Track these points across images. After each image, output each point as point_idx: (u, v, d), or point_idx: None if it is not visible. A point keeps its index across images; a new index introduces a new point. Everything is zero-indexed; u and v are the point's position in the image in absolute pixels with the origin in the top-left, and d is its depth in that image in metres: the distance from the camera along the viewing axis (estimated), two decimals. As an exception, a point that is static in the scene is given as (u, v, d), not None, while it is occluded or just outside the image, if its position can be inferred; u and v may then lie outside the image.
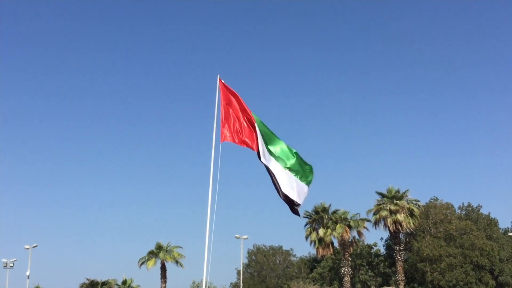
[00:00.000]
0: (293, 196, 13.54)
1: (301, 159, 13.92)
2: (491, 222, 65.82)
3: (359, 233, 59.76)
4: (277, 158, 13.72)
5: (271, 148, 13.74)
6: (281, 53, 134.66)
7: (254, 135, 13.76)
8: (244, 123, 13.98)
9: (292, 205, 13.69)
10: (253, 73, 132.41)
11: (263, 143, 13.60)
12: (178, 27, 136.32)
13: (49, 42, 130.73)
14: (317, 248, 60.55)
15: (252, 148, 13.81)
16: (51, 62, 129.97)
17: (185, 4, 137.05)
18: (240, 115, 14.05)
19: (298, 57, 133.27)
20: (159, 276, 61.93)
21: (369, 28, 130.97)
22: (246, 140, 13.81)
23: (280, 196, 13.59)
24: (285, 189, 13.47)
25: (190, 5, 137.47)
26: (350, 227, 58.93)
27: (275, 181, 13.51)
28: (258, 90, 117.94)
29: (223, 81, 14.25)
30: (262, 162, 13.50)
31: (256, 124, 13.77)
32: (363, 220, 59.47)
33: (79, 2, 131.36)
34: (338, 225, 58.41)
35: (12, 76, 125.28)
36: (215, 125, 13.88)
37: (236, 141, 13.85)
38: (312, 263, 75.04)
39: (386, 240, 66.86)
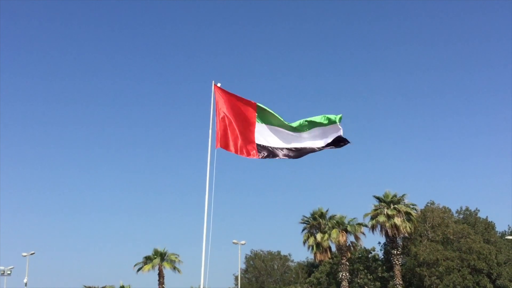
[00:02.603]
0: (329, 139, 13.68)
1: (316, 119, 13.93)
2: (489, 226, 65.85)
3: (356, 238, 59.83)
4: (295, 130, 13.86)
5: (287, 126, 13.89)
6: (277, 56, 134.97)
7: (252, 137, 13.79)
8: (241, 127, 13.94)
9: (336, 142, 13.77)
10: (250, 77, 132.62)
11: (273, 129, 13.74)
12: (174, 31, 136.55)
13: (44, 44, 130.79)
14: (315, 253, 60.62)
15: (245, 156, 13.85)
16: (46, 65, 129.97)
17: (182, 6, 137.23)
18: (237, 119, 14.02)
19: (295, 60, 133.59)
20: (157, 282, 61.79)
21: (366, 30, 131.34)
22: (240, 147, 13.83)
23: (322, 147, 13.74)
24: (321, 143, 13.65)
25: (187, 8, 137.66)
26: (347, 231, 58.96)
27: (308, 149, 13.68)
28: (255, 93, 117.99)
29: (218, 85, 14.25)
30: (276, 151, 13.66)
31: (258, 121, 13.82)
32: (360, 224, 59.55)
33: (75, 6, 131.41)
34: (333, 230, 58.44)
35: (10, 80, 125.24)
36: (210, 131, 13.89)
37: (230, 149, 13.87)
38: (310, 268, 74.96)
39: (383, 245, 66.86)
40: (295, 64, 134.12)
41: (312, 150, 13.75)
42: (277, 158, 13.85)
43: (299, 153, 13.80)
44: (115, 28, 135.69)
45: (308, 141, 13.74)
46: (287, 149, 13.78)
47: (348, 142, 13.89)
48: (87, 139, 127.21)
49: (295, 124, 13.86)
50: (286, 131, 13.84)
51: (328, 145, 13.66)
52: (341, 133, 13.72)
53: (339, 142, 13.78)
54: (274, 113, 13.92)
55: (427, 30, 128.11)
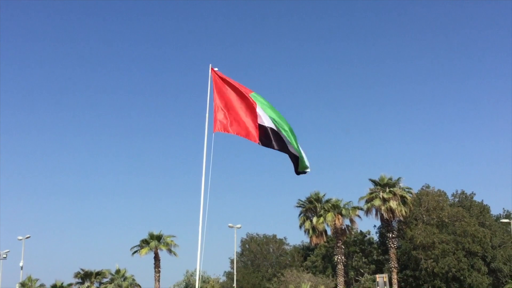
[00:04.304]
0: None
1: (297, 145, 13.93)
2: (484, 209, 66.20)
3: (352, 221, 60.07)
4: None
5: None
6: (274, 44, 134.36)
7: (253, 121, 13.72)
8: (240, 111, 13.88)
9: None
10: (247, 63, 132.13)
11: (270, 121, 13.67)
12: (170, 16, 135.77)
13: (41, 36, 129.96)
14: (311, 237, 60.82)
15: (246, 137, 13.77)
16: (42, 56, 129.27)
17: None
18: (235, 102, 13.97)
19: (291, 48, 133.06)
20: (153, 266, 61.94)
21: (363, 21, 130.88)
22: (240, 129, 13.78)
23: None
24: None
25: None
26: (342, 215, 59.14)
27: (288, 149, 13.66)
28: (251, 81, 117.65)
29: (215, 69, 14.17)
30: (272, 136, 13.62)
31: (258, 105, 13.71)
32: (355, 208, 59.74)
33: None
34: (329, 213, 58.64)
35: (8, 71, 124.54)
36: (207, 114, 13.84)
37: (230, 131, 13.80)
38: (306, 251, 75.32)
39: (379, 228, 67.23)
40: (292, 53, 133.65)
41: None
42: (274, 148, 13.75)
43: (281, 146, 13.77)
44: (112, 17, 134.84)
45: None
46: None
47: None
48: (83, 125, 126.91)
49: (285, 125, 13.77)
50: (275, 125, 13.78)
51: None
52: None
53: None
54: (268, 104, 13.85)
55: (424, 23, 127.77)
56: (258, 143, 13.61)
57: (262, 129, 13.58)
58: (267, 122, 13.59)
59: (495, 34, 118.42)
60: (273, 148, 13.59)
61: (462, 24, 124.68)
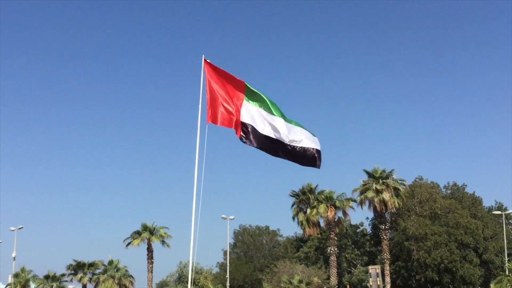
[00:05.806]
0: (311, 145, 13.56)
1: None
2: (476, 201, 66.37)
3: (345, 213, 60.14)
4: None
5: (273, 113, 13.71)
6: (267, 35, 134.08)
7: (238, 116, 13.69)
8: (230, 103, 13.84)
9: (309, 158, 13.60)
10: (240, 55, 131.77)
11: (260, 112, 13.58)
12: (163, 8, 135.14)
13: (37, 32, 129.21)
14: (304, 228, 60.90)
15: (234, 129, 13.72)
16: (34, 47, 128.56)
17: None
18: (226, 95, 13.91)
19: (285, 40, 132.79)
20: (146, 257, 61.85)
21: (360, 14, 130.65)
22: (230, 121, 13.73)
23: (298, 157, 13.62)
24: (305, 143, 13.50)
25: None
26: (335, 207, 59.19)
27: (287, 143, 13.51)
28: (245, 73, 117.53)
29: (208, 60, 14.06)
30: (259, 133, 13.50)
31: (245, 101, 13.67)
32: (348, 200, 59.78)
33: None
34: (321, 205, 58.68)
35: (7, 67, 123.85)
36: (200, 106, 13.76)
37: (220, 123, 13.73)
38: (299, 243, 75.42)
39: (372, 220, 67.36)
40: (286, 45, 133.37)
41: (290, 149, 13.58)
42: (254, 146, 13.63)
43: (276, 146, 13.63)
44: (104, 7, 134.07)
45: (291, 132, 13.58)
46: (265, 136, 13.58)
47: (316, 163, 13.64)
48: (76, 118, 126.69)
49: (279, 114, 13.65)
50: (270, 115, 13.66)
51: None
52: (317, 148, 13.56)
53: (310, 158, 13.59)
54: (262, 95, 13.76)
55: (421, 19, 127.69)
56: (240, 138, 13.61)
57: (243, 126, 13.57)
58: (249, 119, 13.56)
59: (490, 31, 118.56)
60: (251, 145, 13.56)
61: (460, 20, 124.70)
